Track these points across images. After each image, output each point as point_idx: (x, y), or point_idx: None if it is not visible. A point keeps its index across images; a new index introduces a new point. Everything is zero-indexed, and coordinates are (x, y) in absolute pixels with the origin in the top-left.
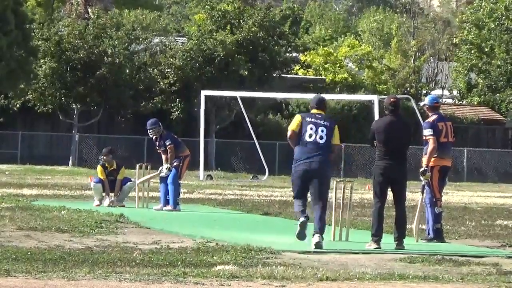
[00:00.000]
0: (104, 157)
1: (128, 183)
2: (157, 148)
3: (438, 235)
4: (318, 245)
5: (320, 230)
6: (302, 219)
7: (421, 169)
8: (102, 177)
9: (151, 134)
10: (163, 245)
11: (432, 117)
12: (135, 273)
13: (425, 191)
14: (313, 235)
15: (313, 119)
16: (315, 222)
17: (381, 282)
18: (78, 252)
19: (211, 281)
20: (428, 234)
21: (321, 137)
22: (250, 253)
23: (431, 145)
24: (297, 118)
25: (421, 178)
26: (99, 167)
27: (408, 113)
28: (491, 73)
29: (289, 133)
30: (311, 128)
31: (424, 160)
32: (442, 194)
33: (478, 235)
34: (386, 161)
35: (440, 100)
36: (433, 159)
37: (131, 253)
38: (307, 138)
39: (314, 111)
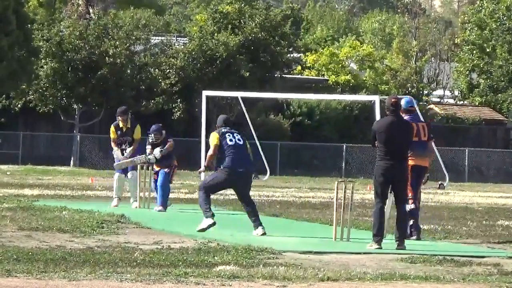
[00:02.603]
0: (120, 117)
1: (130, 175)
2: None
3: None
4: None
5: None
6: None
7: None
8: (113, 136)
9: (151, 139)
10: (164, 245)
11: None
12: (136, 273)
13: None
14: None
15: None
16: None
17: (382, 282)
18: (79, 252)
19: (212, 281)
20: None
21: None
22: (251, 253)
23: None
24: None
25: None
26: (111, 128)
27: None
28: (493, 74)
29: None
30: None
31: None
32: (421, 191)
33: (480, 235)
34: (387, 161)
35: (415, 105)
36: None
37: (132, 253)
38: None
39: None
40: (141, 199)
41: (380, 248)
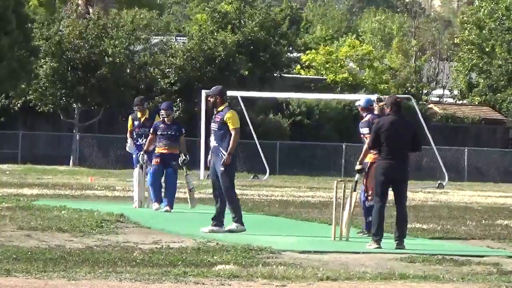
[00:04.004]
0: (136, 107)
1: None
2: (159, 131)
3: (369, 228)
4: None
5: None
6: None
7: (357, 167)
8: (129, 128)
9: (163, 116)
10: (164, 245)
11: (367, 116)
12: (136, 272)
13: (358, 187)
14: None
15: None
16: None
17: (382, 281)
18: (79, 252)
19: (211, 280)
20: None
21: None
22: (250, 253)
23: (366, 143)
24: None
25: (357, 175)
26: (129, 118)
27: (409, 113)
28: (492, 73)
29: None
30: None
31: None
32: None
33: (479, 234)
34: (388, 161)
35: (374, 104)
36: (373, 155)
37: (132, 253)
38: None
39: None
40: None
41: (380, 247)
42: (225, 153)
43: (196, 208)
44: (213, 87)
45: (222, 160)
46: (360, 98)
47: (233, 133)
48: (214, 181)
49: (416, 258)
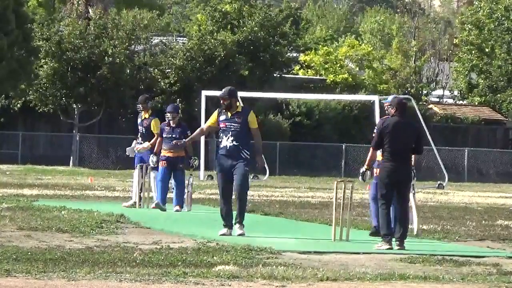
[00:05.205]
0: (141, 106)
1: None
2: (164, 134)
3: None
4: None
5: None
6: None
7: None
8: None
9: (168, 118)
10: (164, 245)
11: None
12: (135, 273)
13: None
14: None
15: None
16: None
17: (382, 282)
18: (79, 252)
19: (211, 281)
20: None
21: None
22: (250, 253)
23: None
24: None
25: None
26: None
27: (409, 113)
28: (492, 74)
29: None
30: None
31: None
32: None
33: (479, 235)
34: (392, 163)
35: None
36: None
37: (132, 253)
38: None
39: None
40: (140, 199)
41: (391, 247)
42: (248, 153)
43: (195, 208)
44: (225, 89)
45: (257, 163)
46: (388, 97)
47: (257, 132)
48: (228, 184)
49: (416, 258)
